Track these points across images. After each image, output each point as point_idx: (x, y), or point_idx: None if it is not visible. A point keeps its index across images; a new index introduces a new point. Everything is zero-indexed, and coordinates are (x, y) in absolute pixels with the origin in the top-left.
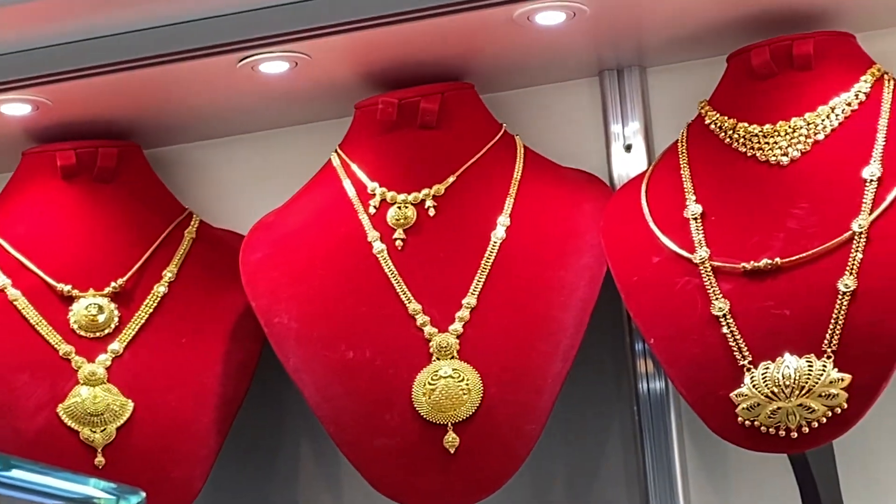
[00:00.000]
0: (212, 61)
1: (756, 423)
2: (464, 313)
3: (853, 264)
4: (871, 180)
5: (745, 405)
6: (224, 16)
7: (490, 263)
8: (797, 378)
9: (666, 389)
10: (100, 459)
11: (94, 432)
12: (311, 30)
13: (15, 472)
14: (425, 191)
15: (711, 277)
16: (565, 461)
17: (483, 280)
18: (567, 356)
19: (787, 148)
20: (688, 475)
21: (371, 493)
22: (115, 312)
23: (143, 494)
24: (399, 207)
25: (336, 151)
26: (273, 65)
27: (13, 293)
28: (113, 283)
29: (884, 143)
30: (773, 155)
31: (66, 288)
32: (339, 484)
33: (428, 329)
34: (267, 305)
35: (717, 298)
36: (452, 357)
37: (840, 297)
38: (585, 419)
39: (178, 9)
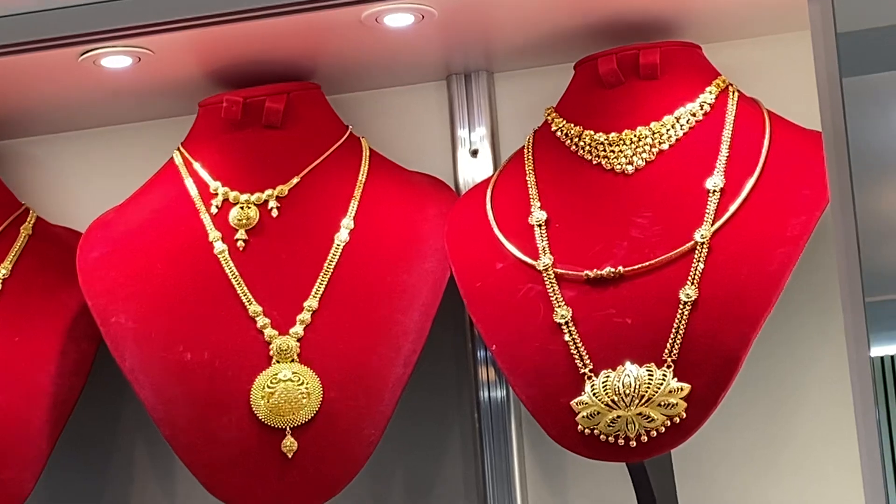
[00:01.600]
0: (53, 54)
1: (595, 431)
2: (305, 316)
3: (695, 274)
4: (714, 191)
5: (584, 413)
6: (66, 7)
7: (333, 266)
8: (637, 387)
9: (507, 398)
10: None
11: None
12: (155, 25)
13: None
14: (268, 191)
15: (555, 284)
16: (404, 467)
17: (325, 283)
18: (408, 361)
19: (632, 157)
20: (527, 483)
21: (208, 497)
22: None
23: None
24: (241, 208)
25: (178, 149)
26: (115, 59)
27: None
28: None
29: (727, 155)
30: (619, 163)
31: None
32: (175, 487)
33: (268, 332)
34: (104, 305)
35: (559, 306)
36: (292, 360)
37: (681, 306)
38: (426, 425)
39: None
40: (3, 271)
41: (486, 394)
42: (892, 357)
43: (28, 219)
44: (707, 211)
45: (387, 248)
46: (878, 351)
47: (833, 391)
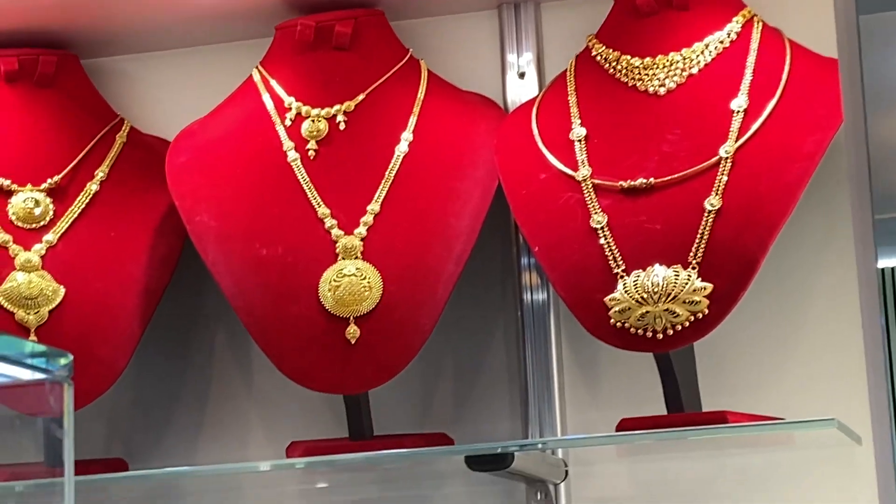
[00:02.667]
0: None
1: (626, 325)
2: (368, 218)
3: (719, 186)
4: (738, 111)
5: (617, 308)
6: None
7: (393, 174)
8: (665, 286)
9: (548, 299)
10: (33, 339)
11: (29, 314)
12: None
13: None
14: (337, 106)
15: (592, 194)
16: (453, 356)
17: (386, 189)
18: (460, 259)
19: (664, 80)
20: (564, 373)
21: (279, 377)
22: (51, 206)
23: (71, 357)
24: (313, 121)
25: (257, 68)
26: None
27: None
28: (49, 180)
29: (751, 78)
30: (652, 86)
31: (6, 182)
32: (250, 369)
33: (335, 231)
34: (189, 205)
35: (596, 212)
36: (356, 257)
37: (706, 214)
38: (473, 319)
39: None
40: (101, 174)
41: (529, 296)
42: (892, 269)
43: (123, 128)
44: (731, 129)
45: (442, 159)
46: (883, 263)
47: (840, 298)
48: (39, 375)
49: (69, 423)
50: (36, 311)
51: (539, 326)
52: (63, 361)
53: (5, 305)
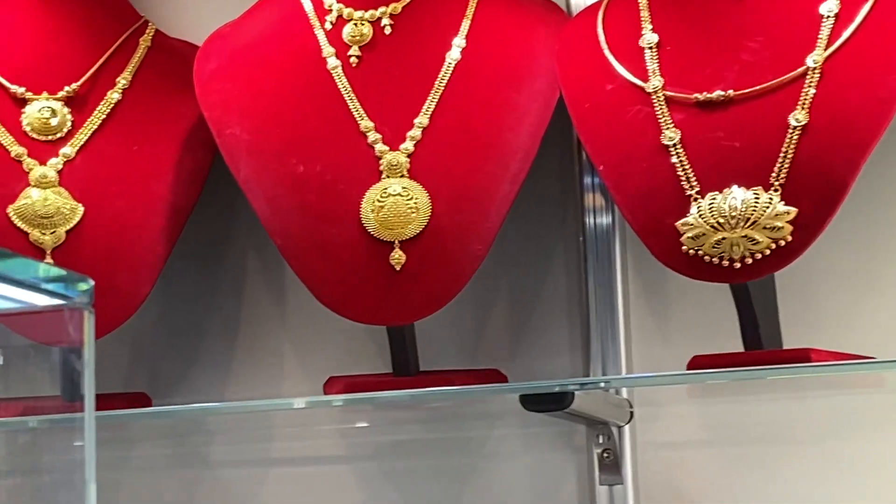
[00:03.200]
0: None
1: (700, 252)
2: (415, 132)
3: (805, 99)
4: (829, 16)
5: (690, 234)
6: None
7: (444, 84)
8: (743, 209)
9: (612, 223)
10: (49, 261)
11: (44, 234)
12: None
13: None
14: (382, 8)
15: (664, 107)
16: (508, 285)
17: (436, 100)
18: (516, 179)
19: None
20: (629, 303)
21: (315, 306)
22: (68, 116)
23: (92, 282)
24: (355, 24)
25: None
26: None
27: None
28: (67, 88)
29: None
30: None
31: (20, 90)
32: (285, 296)
33: (379, 147)
34: (219, 116)
35: (668, 128)
36: (402, 175)
37: (790, 131)
38: (530, 245)
39: None
40: (123, 81)
41: (592, 220)
42: None
43: (147, 31)
44: (820, 36)
45: (497, 68)
46: None
47: None
48: (57, 302)
49: (89, 353)
50: (52, 230)
51: (603, 253)
52: (83, 287)
53: (19, 224)
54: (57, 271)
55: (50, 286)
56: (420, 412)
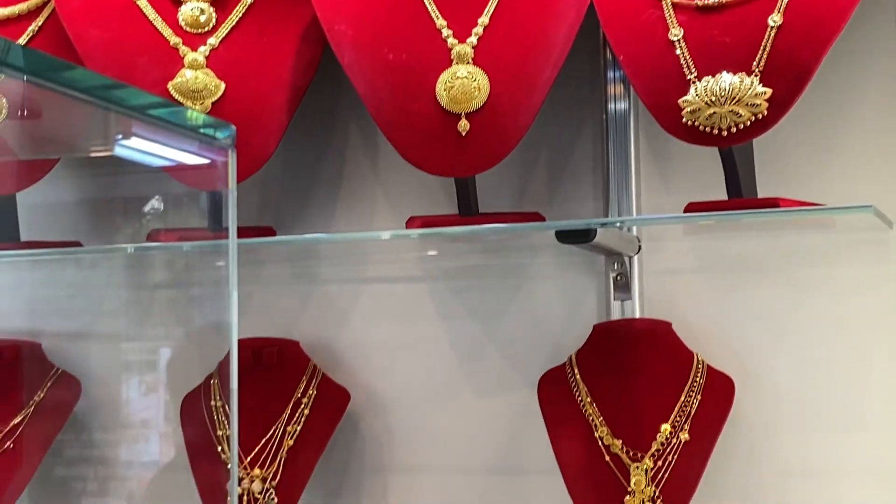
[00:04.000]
0: None
1: (696, 123)
2: (479, 29)
3: (781, 4)
4: None
5: (689, 109)
6: None
7: None
8: (730, 90)
9: (629, 105)
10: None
11: (195, 105)
12: None
13: (121, 92)
14: None
15: (671, 10)
16: (547, 147)
17: (495, 5)
18: (556, 66)
19: None
20: (640, 163)
21: (401, 163)
22: (213, 14)
23: (234, 127)
24: None
25: None
26: None
27: None
28: None
29: None
30: None
31: None
32: (377, 155)
33: (450, 40)
34: (330, 16)
35: (674, 27)
36: (468, 62)
37: (769, 29)
38: (564, 117)
39: None
40: None
41: (613, 104)
42: None
43: None
44: None
45: None
46: None
47: (885, 99)
48: (206, 143)
49: (232, 184)
50: (201, 102)
51: (620, 127)
52: (226, 131)
53: (176, 97)
54: (207, 118)
55: (202, 130)
56: (479, 243)
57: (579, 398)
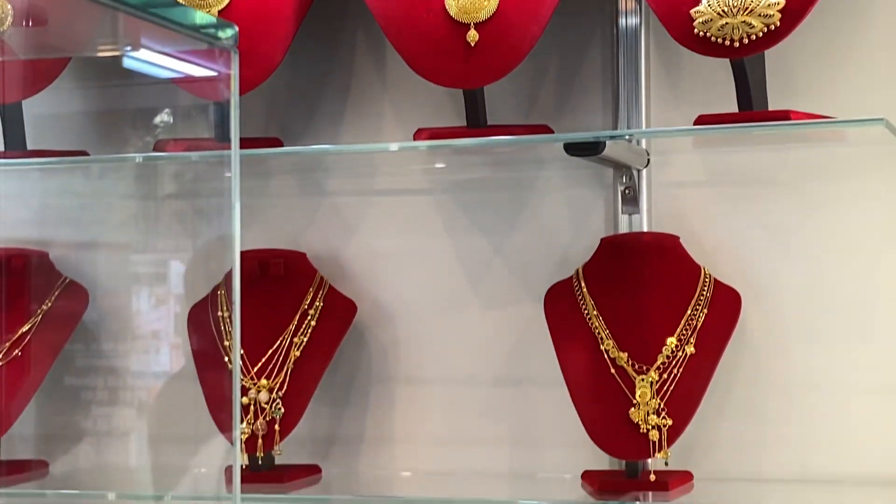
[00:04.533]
0: None
1: (708, 34)
2: None
3: None
4: None
5: (700, 20)
6: None
7: None
8: (743, 0)
9: (640, 22)
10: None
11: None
12: None
13: None
14: None
15: None
16: (557, 60)
17: None
18: None
19: None
20: (651, 75)
21: (408, 73)
22: None
23: (237, 27)
24: None
25: None
26: None
27: None
28: None
29: None
30: None
31: None
32: (385, 66)
33: None
34: None
35: None
36: None
37: None
38: (575, 30)
39: None
40: None
41: (625, 19)
42: None
43: None
44: None
45: None
46: None
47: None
48: (211, 48)
49: (235, 88)
50: (207, 9)
51: (631, 39)
52: (229, 31)
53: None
54: (210, 18)
55: (204, 30)
56: (487, 156)
57: (585, 311)
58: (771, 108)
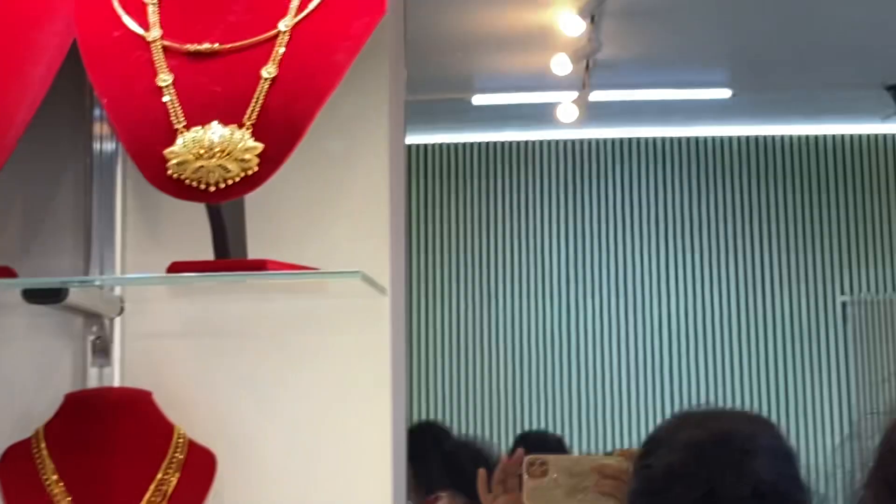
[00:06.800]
0: None
1: (183, 176)
2: None
3: (276, 56)
4: None
5: (175, 161)
6: None
7: None
8: (220, 143)
9: (116, 149)
10: None
11: None
12: None
13: None
14: None
15: (161, 54)
16: (24, 195)
17: None
18: (32, 106)
19: None
20: (127, 216)
21: None
22: None
23: None
24: None
25: None
26: None
27: None
28: None
29: None
30: None
31: None
32: None
33: None
34: None
35: (163, 71)
36: None
37: (262, 81)
38: (44, 162)
39: None
40: None
41: (99, 145)
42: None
43: None
44: (291, 6)
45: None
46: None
47: (372, 167)
48: None
49: None
50: None
51: (107, 173)
52: None
53: None
54: None
55: None
56: None
57: (45, 476)
58: (252, 256)
